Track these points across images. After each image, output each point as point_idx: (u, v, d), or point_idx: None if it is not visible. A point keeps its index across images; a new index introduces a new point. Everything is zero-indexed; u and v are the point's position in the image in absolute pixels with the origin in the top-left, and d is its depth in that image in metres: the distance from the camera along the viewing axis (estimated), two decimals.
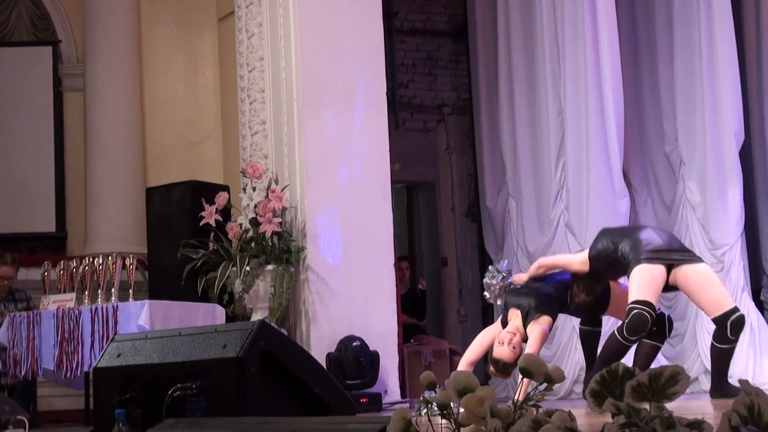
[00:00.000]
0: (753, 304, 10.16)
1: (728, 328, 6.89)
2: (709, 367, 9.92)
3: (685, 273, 6.95)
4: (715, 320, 7.03)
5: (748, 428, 1.70)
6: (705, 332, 9.97)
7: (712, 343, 7.17)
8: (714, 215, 10.03)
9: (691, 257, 7.15)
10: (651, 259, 6.87)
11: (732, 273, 10.00)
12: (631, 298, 6.81)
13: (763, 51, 11.95)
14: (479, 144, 12.19)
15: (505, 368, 6.92)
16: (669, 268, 6.93)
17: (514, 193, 11.32)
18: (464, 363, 7.23)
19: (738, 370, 9.65)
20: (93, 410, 4.97)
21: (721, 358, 7.15)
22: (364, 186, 9.20)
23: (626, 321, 6.75)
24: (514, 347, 6.85)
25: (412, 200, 13.84)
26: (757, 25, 11.97)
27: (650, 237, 7.07)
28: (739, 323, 6.95)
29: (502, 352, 6.87)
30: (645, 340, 7.13)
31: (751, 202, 10.61)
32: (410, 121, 13.22)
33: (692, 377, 9.63)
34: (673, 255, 7.00)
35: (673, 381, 1.87)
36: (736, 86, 10.21)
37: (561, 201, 10.58)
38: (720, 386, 7.17)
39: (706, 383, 9.99)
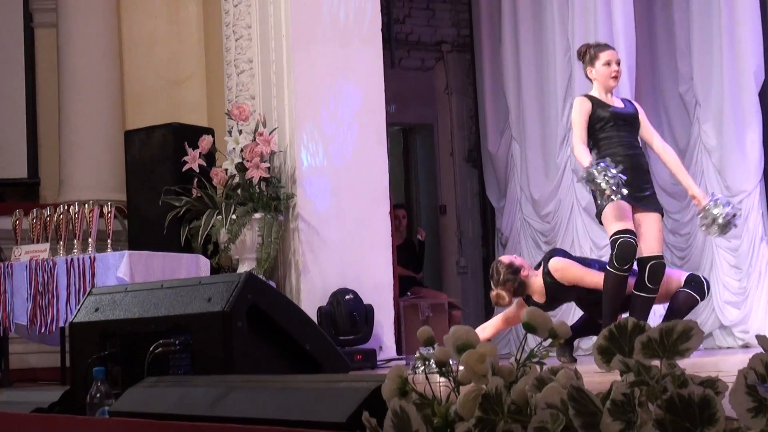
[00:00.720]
0: None
1: (646, 272, 7.10)
2: (724, 322, 10.02)
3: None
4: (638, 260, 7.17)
5: (765, 386, 1.70)
6: (720, 285, 10.01)
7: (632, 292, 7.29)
8: (731, 160, 10.03)
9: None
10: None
11: (750, 222, 10.00)
12: (609, 233, 7.06)
13: None
14: (481, 84, 12.17)
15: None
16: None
17: (517, 137, 11.32)
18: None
19: (756, 325, 9.71)
20: (69, 368, 4.99)
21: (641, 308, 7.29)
22: (357, 129, 9.19)
23: (612, 252, 7.00)
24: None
25: (408, 144, 13.83)
26: None
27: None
28: (658, 271, 7.16)
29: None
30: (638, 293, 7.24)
31: None
32: (407, 59, 13.18)
33: (706, 333, 9.67)
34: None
35: (685, 336, 1.88)
36: (756, 22, 10.18)
37: (568, 145, 10.57)
38: None
39: (721, 339, 10.06)
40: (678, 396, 1.75)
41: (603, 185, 6.67)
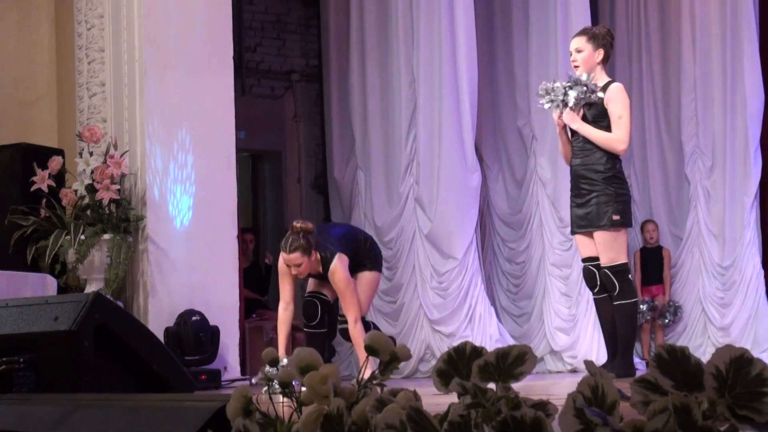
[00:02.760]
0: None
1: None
2: (554, 347, 10.21)
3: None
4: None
5: (592, 410, 1.74)
6: (552, 312, 10.21)
7: None
8: (564, 192, 10.20)
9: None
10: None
11: None
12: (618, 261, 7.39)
13: (616, 25, 12.23)
14: (328, 113, 12.20)
15: None
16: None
17: (362, 165, 11.37)
18: None
19: (584, 350, 9.93)
20: None
21: None
22: (208, 154, 9.13)
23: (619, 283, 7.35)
24: None
25: (257, 170, 13.78)
26: (611, 5, 12.26)
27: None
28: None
29: None
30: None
31: None
32: (257, 87, 13.14)
33: (539, 357, 9.83)
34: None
35: (520, 361, 1.91)
36: None
37: (411, 174, 10.67)
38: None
39: (551, 363, 10.27)
40: (511, 418, 1.78)
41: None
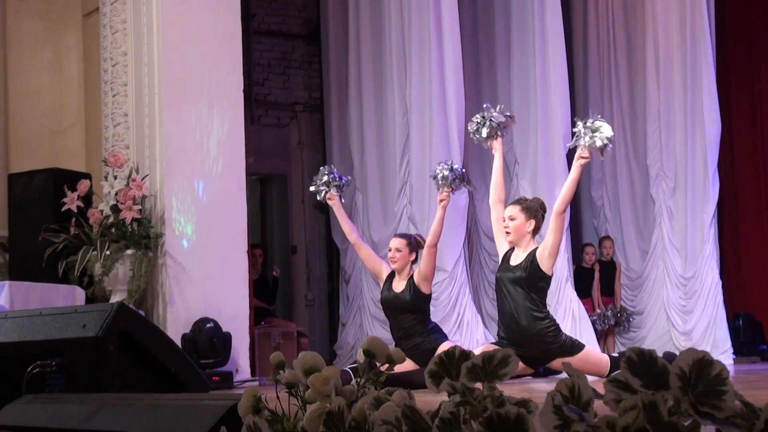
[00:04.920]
0: (575, 293, 10.42)
1: None
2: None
3: None
4: None
5: (568, 407, 1.73)
6: None
7: None
8: None
9: None
10: None
11: (557, 264, 10.22)
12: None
13: (589, 63, 12.29)
14: (329, 140, 12.22)
15: None
16: None
17: (360, 187, 11.37)
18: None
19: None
20: None
21: None
22: (220, 177, 9.13)
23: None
24: None
25: (265, 192, 13.78)
26: (585, 41, 12.30)
27: None
28: None
29: None
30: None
31: (574, 202, 10.87)
32: (265, 117, 13.16)
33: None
34: None
35: (503, 363, 1.91)
36: (566, 96, 10.48)
37: (405, 195, 10.68)
38: None
39: None
40: (496, 414, 1.77)
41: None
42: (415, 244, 7.56)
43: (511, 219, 6.81)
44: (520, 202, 7.01)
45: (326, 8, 12.24)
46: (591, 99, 12.44)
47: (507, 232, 6.82)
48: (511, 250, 6.89)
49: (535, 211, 6.85)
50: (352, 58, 11.45)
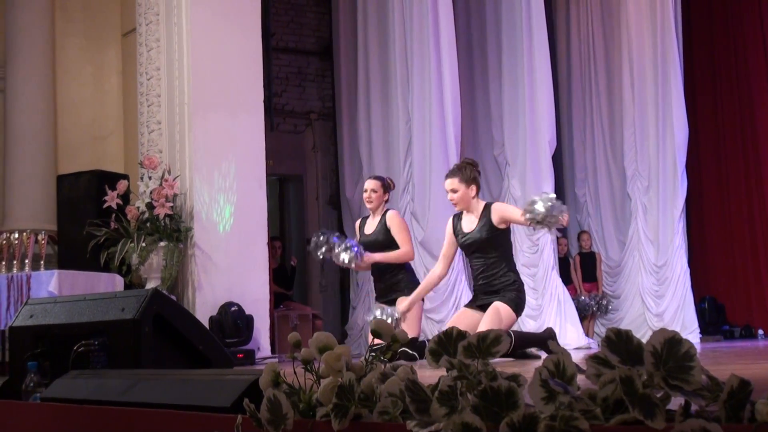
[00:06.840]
0: (560, 280, 10.41)
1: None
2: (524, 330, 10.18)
3: None
4: None
5: (554, 380, 1.73)
6: None
7: None
8: None
9: None
10: None
11: (544, 253, 10.25)
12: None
13: (572, 76, 12.29)
14: (340, 144, 12.21)
15: None
16: None
17: None
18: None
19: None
20: (8, 363, 4.84)
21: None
22: (243, 178, 9.13)
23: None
24: None
25: (283, 191, 13.78)
26: (568, 55, 12.29)
27: None
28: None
29: None
30: None
31: (559, 198, 10.87)
32: (283, 124, 13.15)
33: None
34: None
35: (496, 342, 1.91)
36: (551, 103, 10.47)
37: (408, 193, 10.67)
38: None
39: None
40: (490, 387, 1.77)
41: None
42: (388, 185, 7.34)
43: (453, 191, 6.57)
44: (453, 172, 6.68)
45: (338, 28, 12.25)
46: (574, 107, 12.46)
47: (454, 204, 6.61)
48: (459, 217, 6.72)
49: (472, 176, 6.59)
50: (361, 72, 11.45)
